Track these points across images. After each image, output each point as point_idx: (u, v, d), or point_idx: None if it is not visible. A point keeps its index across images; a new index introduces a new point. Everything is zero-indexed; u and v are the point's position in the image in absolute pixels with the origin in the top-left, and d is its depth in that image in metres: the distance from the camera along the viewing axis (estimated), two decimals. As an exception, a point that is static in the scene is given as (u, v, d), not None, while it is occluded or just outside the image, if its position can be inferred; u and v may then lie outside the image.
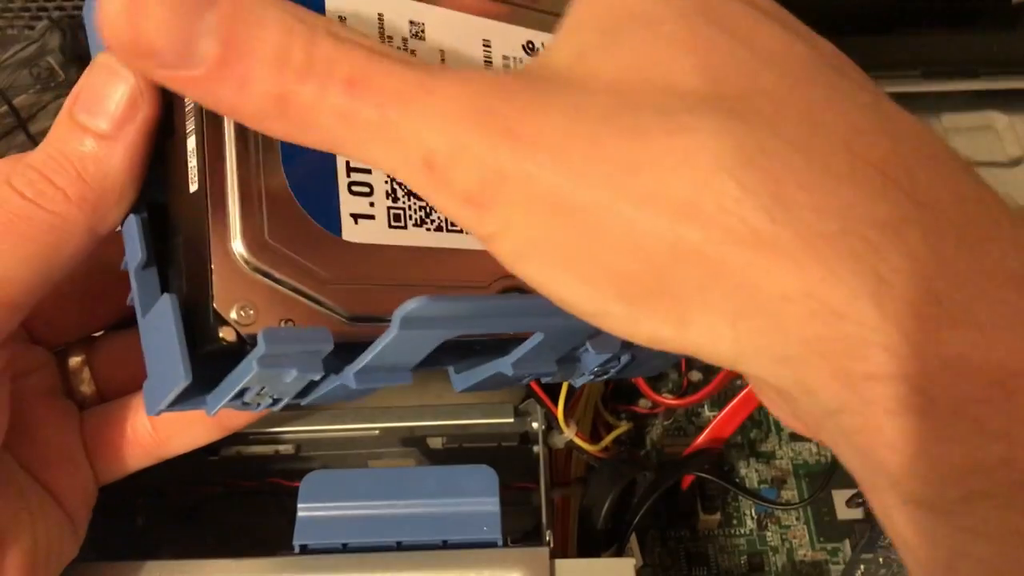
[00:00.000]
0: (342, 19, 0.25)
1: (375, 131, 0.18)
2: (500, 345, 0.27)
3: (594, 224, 0.18)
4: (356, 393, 0.26)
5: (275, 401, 0.25)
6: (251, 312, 0.22)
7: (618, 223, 0.17)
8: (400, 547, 0.30)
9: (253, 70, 0.18)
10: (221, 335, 0.22)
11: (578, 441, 0.39)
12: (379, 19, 0.25)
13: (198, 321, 0.23)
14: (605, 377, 0.31)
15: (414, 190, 0.19)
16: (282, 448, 0.37)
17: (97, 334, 0.30)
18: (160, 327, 0.23)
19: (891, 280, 0.17)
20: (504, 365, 0.27)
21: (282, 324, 0.23)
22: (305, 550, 0.31)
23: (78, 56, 0.48)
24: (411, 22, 0.26)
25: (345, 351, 0.24)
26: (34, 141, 0.48)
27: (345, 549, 0.30)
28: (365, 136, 0.18)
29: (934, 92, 0.46)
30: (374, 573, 0.30)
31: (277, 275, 0.23)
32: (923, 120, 0.47)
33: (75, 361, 0.29)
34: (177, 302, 0.22)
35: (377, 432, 0.37)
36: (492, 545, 0.30)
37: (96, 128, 0.22)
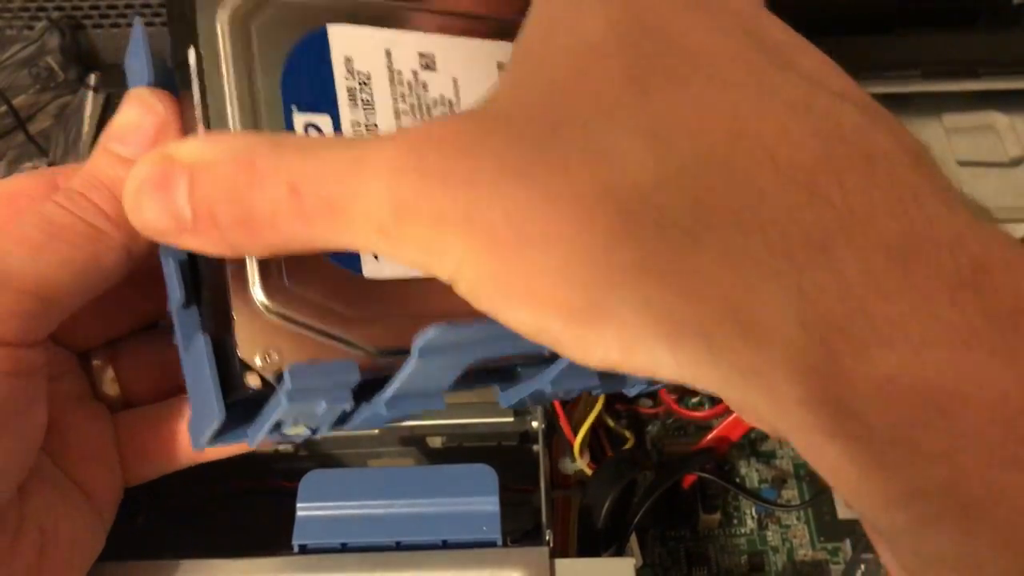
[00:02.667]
0: (349, 61, 0.25)
1: (330, 218, 0.19)
2: (542, 361, 0.27)
3: (532, 257, 0.18)
4: (394, 418, 0.26)
5: (314, 431, 0.25)
6: (276, 356, 0.23)
7: (553, 255, 0.18)
8: (399, 547, 0.30)
9: (216, 208, 0.20)
10: (247, 382, 0.23)
11: (589, 472, 0.39)
12: (387, 55, 0.25)
13: (226, 368, 0.23)
14: (659, 386, 0.31)
15: (381, 256, 0.20)
16: (281, 448, 0.37)
17: (121, 341, 0.31)
18: (196, 367, 0.24)
19: (815, 298, 0.16)
20: (543, 383, 0.27)
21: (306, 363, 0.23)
22: (304, 550, 0.31)
23: (77, 56, 0.48)
24: (420, 54, 0.26)
25: (375, 384, 0.24)
26: (33, 141, 0.48)
27: (344, 549, 0.30)
28: (324, 226, 0.19)
29: (934, 92, 0.46)
30: (373, 573, 0.30)
31: (299, 318, 0.23)
32: (921, 120, 0.47)
33: (98, 363, 0.30)
34: (210, 344, 0.23)
35: (376, 431, 0.37)
36: (492, 545, 0.30)
37: (128, 155, 0.25)
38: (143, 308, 0.30)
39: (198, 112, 0.23)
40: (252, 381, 0.23)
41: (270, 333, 0.23)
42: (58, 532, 0.27)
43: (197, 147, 0.21)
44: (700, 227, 0.17)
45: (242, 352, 0.23)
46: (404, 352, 0.23)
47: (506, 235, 0.18)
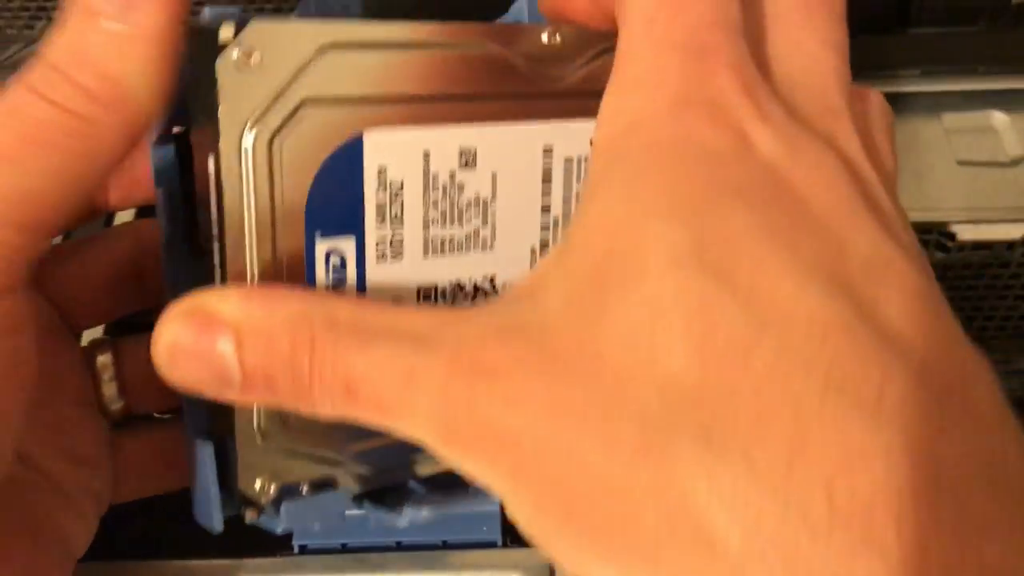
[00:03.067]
0: (382, 172, 0.23)
1: (382, 417, 0.20)
2: None
3: (578, 527, 0.18)
4: None
5: None
6: (273, 484, 0.24)
7: (597, 537, 0.18)
8: (400, 547, 0.31)
9: (275, 380, 0.20)
10: (246, 515, 0.24)
11: None
12: (424, 158, 0.23)
13: (225, 476, 0.24)
14: None
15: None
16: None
17: (125, 339, 0.31)
18: (201, 468, 0.24)
19: None
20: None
21: (303, 488, 0.24)
22: (305, 550, 0.31)
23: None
24: (462, 151, 0.24)
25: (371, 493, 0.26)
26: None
27: (345, 549, 0.31)
28: (376, 419, 0.20)
29: (934, 92, 0.46)
30: (374, 573, 0.30)
31: (300, 448, 0.24)
32: (921, 120, 0.47)
33: (102, 360, 0.29)
34: (213, 455, 0.24)
35: (377, 432, 0.37)
36: (492, 545, 0.30)
37: (117, 18, 0.20)
38: (150, 286, 0.29)
39: (215, 229, 0.22)
40: (250, 516, 0.24)
41: (270, 463, 0.24)
42: (46, 531, 0.26)
43: (241, 306, 0.20)
44: (750, 565, 0.16)
45: (242, 483, 0.23)
46: (394, 470, 0.25)
47: (554, 500, 0.18)
